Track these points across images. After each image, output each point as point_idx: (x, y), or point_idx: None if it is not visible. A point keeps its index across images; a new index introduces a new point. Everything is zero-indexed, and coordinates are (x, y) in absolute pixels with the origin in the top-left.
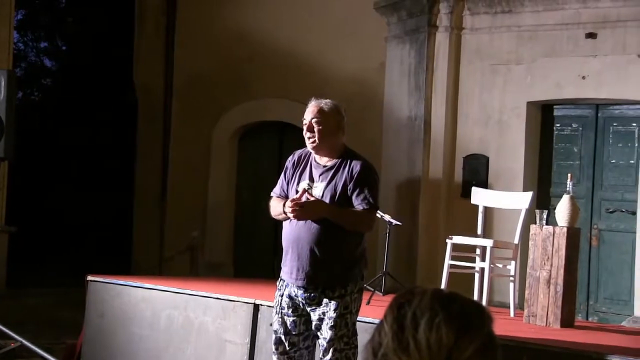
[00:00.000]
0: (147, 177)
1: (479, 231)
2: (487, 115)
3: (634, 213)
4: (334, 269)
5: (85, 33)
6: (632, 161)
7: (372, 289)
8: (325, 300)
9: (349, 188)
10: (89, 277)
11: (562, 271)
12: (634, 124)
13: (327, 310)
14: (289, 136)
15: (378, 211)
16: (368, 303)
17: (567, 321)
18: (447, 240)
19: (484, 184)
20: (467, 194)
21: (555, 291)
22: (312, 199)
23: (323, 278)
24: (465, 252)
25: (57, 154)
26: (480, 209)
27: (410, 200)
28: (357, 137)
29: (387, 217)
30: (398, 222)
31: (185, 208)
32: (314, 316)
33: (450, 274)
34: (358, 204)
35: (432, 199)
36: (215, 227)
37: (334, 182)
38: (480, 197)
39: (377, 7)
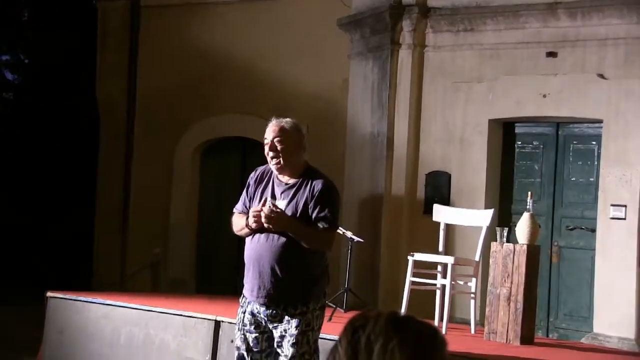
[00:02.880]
0: (109, 193)
1: (441, 248)
2: (450, 132)
3: (594, 230)
4: (296, 287)
5: (48, 47)
6: (591, 179)
7: (334, 306)
8: (286, 318)
9: (309, 206)
10: (49, 294)
11: (522, 288)
12: (594, 142)
13: (288, 328)
14: (252, 152)
15: (340, 228)
16: (330, 320)
17: (527, 338)
18: (409, 257)
19: (446, 201)
20: (429, 211)
21: (515, 308)
22: (277, 210)
23: (284, 295)
24: (426, 269)
25: (17, 169)
26: (442, 226)
27: (373, 217)
28: (320, 153)
29: (349, 234)
30: (360, 239)
31: (148, 224)
32: (276, 333)
33: (411, 291)
34: (319, 222)
35: (395, 215)
36: (178, 244)
37: (295, 200)
38: (441, 214)
39: (340, 24)
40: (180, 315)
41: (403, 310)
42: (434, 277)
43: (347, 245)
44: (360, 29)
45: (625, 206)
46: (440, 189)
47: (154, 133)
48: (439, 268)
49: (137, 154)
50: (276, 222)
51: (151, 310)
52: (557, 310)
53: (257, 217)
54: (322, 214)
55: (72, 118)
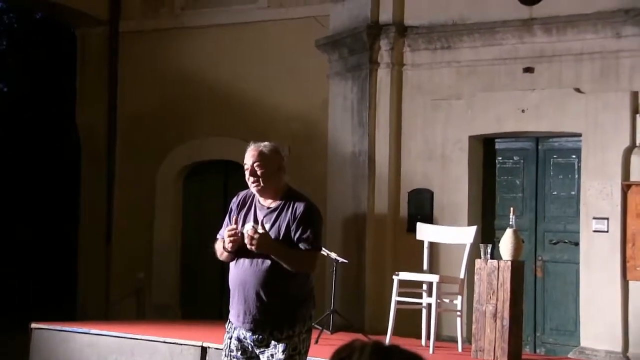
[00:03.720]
0: (92, 219)
1: (425, 266)
2: (430, 149)
3: (577, 244)
4: (281, 311)
5: (27, 74)
6: (573, 192)
7: (320, 328)
8: (273, 342)
9: (292, 229)
10: (33, 325)
11: (507, 305)
12: (574, 156)
13: (275, 352)
14: (234, 174)
15: (324, 250)
16: (316, 342)
17: (514, 354)
18: (394, 277)
19: (430, 219)
20: (412, 229)
21: (501, 325)
22: (261, 231)
23: (270, 320)
24: (412, 288)
25: None
26: (426, 244)
27: (356, 237)
28: (302, 173)
29: (333, 255)
30: (344, 260)
31: (131, 249)
32: (263, 358)
33: (397, 310)
34: (301, 244)
35: (378, 234)
36: (162, 268)
37: (277, 223)
38: (425, 232)
39: (319, 45)
40: (166, 342)
41: (389, 329)
42: (420, 295)
43: (331, 267)
44: (338, 49)
45: (607, 219)
46: (422, 206)
47: (135, 157)
48: (424, 286)
49: (119, 178)
50: (260, 243)
51: (137, 338)
52: (544, 324)
53: (233, 236)
54: (304, 236)
55: (53, 144)
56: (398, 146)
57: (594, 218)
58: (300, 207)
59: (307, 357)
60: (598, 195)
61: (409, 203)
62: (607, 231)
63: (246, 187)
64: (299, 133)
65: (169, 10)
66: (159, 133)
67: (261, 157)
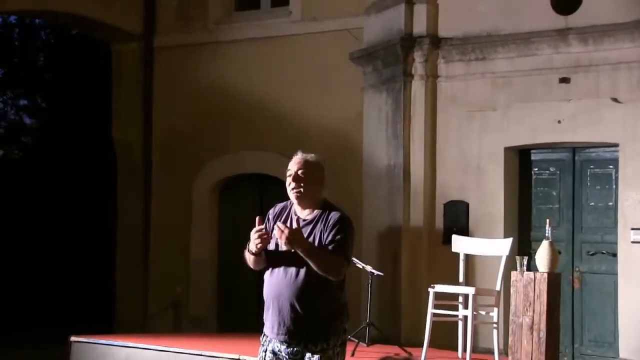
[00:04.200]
0: (129, 233)
1: (461, 279)
2: (466, 161)
3: (615, 255)
4: (316, 323)
5: (64, 90)
6: (610, 203)
7: (357, 340)
8: (308, 355)
9: (324, 237)
10: (72, 338)
11: (544, 317)
12: (611, 166)
13: None
14: (269, 188)
15: (359, 262)
16: (353, 354)
17: None
18: (430, 289)
19: (465, 231)
20: (448, 241)
21: (538, 337)
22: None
23: (304, 332)
24: (448, 300)
25: (37, 212)
26: (461, 257)
27: (392, 249)
28: (337, 186)
29: (369, 268)
30: (380, 273)
31: (168, 262)
32: None
33: (433, 323)
34: (331, 249)
35: (414, 247)
36: (199, 281)
37: (313, 234)
38: (460, 244)
39: (353, 58)
40: (203, 355)
41: (425, 341)
42: (456, 308)
43: (367, 280)
44: (372, 61)
45: None
46: (458, 218)
47: (171, 171)
48: (460, 299)
49: (156, 192)
50: (291, 238)
51: (174, 351)
52: (582, 336)
53: (260, 237)
54: (335, 242)
55: (89, 159)
56: (433, 158)
57: (632, 229)
58: (334, 217)
59: None
60: (636, 205)
61: (444, 215)
62: None
63: (282, 199)
64: (334, 146)
65: (203, 25)
66: (194, 147)
67: (306, 165)
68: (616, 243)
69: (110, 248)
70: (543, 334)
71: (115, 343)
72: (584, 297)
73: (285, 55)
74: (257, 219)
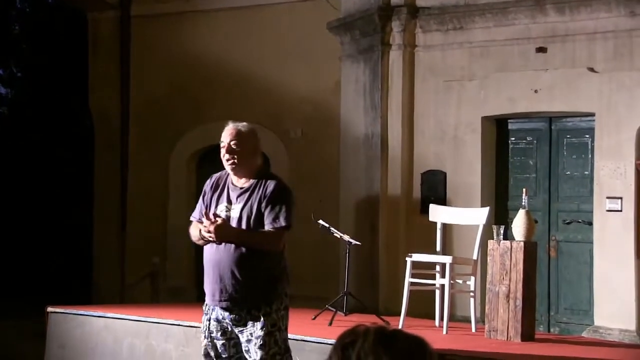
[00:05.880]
0: (106, 204)
1: (438, 248)
2: (443, 131)
3: (591, 223)
4: (256, 288)
5: (40, 59)
6: (586, 172)
7: (334, 309)
8: (251, 321)
9: (262, 206)
10: (49, 309)
11: (520, 285)
12: (587, 136)
13: (254, 330)
14: None
15: (337, 232)
16: (330, 324)
17: (527, 335)
18: (407, 259)
19: (443, 200)
20: (426, 210)
21: (514, 305)
22: (219, 221)
23: (246, 297)
24: (425, 269)
25: (13, 182)
26: (439, 226)
27: (370, 219)
28: (314, 156)
29: (346, 237)
30: (357, 242)
31: (146, 233)
32: (242, 338)
33: (411, 292)
34: (268, 222)
35: (392, 216)
36: (176, 251)
37: (250, 202)
38: (437, 214)
39: (330, 27)
40: (181, 325)
41: (403, 310)
42: (433, 277)
43: (344, 249)
44: (350, 31)
45: (620, 198)
46: (436, 188)
47: (148, 141)
48: (438, 268)
49: (133, 162)
50: (219, 234)
51: (152, 322)
52: (558, 304)
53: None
54: (272, 214)
55: (66, 129)
56: (411, 128)
57: (608, 197)
58: (270, 185)
59: (292, 335)
60: (612, 174)
61: (422, 185)
62: (621, 210)
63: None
64: (312, 116)
65: None
66: (171, 117)
67: (238, 135)
68: (592, 212)
69: (87, 218)
70: (519, 303)
71: (93, 313)
72: (560, 266)
73: (263, 24)
74: (211, 214)
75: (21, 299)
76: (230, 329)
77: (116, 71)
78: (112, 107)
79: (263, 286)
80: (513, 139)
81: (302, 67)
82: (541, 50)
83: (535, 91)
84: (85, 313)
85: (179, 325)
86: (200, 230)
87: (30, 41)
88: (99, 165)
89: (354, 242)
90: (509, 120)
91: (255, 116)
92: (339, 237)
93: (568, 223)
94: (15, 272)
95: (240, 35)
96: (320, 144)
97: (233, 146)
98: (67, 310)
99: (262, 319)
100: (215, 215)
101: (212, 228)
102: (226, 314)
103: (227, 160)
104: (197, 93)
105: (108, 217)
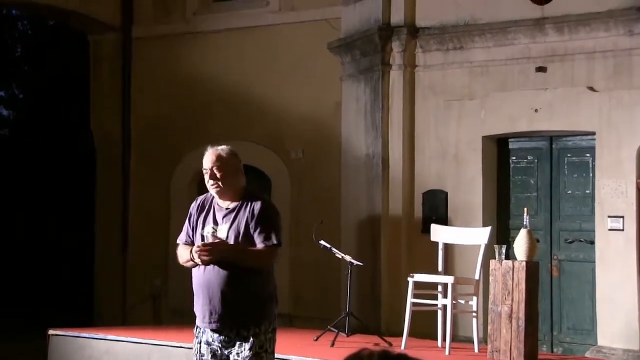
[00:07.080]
0: (107, 224)
1: (440, 268)
2: (444, 150)
3: (592, 242)
4: (246, 309)
5: (42, 81)
6: (587, 191)
7: (336, 330)
8: (239, 342)
9: (250, 227)
10: (51, 331)
11: (523, 305)
12: (588, 155)
13: (241, 351)
14: (249, 179)
15: (338, 252)
16: (332, 345)
17: (530, 355)
18: (409, 279)
19: (444, 219)
20: (427, 230)
21: (517, 325)
22: (215, 241)
23: (235, 318)
24: (427, 290)
25: (15, 204)
26: (440, 246)
27: (371, 239)
28: (316, 176)
29: (348, 258)
30: (359, 263)
31: (147, 255)
32: (231, 358)
33: (413, 312)
34: (259, 242)
35: (393, 236)
36: (178, 273)
37: (236, 222)
38: (439, 234)
39: (331, 48)
40: (182, 347)
41: (405, 331)
42: (435, 297)
43: (346, 269)
44: (350, 51)
45: (622, 217)
46: (437, 207)
47: (149, 163)
48: (440, 288)
49: (134, 183)
50: (217, 253)
51: (154, 344)
52: (561, 324)
53: (202, 254)
54: (263, 234)
55: (67, 151)
56: (412, 148)
57: (609, 216)
58: (257, 205)
59: (293, 356)
60: (613, 193)
61: (423, 204)
62: (623, 229)
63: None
64: (312, 136)
65: (181, 16)
66: (172, 138)
67: (219, 160)
68: (594, 231)
69: (89, 239)
70: (522, 322)
71: (95, 336)
72: (563, 285)
73: (263, 45)
74: (198, 236)
75: (22, 321)
76: (220, 351)
77: (117, 92)
78: (113, 128)
79: (252, 306)
80: (514, 158)
81: (302, 87)
82: (541, 69)
83: (536, 110)
84: (87, 335)
85: (180, 347)
86: (191, 251)
87: (32, 63)
88: (101, 186)
89: (355, 262)
90: (510, 140)
91: (255, 137)
92: (340, 257)
93: (570, 242)
94: (16, 292)
95: (241, 56)
96: (321, 164)
97: (215, 171)
98: (69, 333)
99: (250, 339)
100: (214, 236)
101: (203, 253)
102: (215, 335)
103: (212, 185)
104: (198, 114)
105: (109, 238)
